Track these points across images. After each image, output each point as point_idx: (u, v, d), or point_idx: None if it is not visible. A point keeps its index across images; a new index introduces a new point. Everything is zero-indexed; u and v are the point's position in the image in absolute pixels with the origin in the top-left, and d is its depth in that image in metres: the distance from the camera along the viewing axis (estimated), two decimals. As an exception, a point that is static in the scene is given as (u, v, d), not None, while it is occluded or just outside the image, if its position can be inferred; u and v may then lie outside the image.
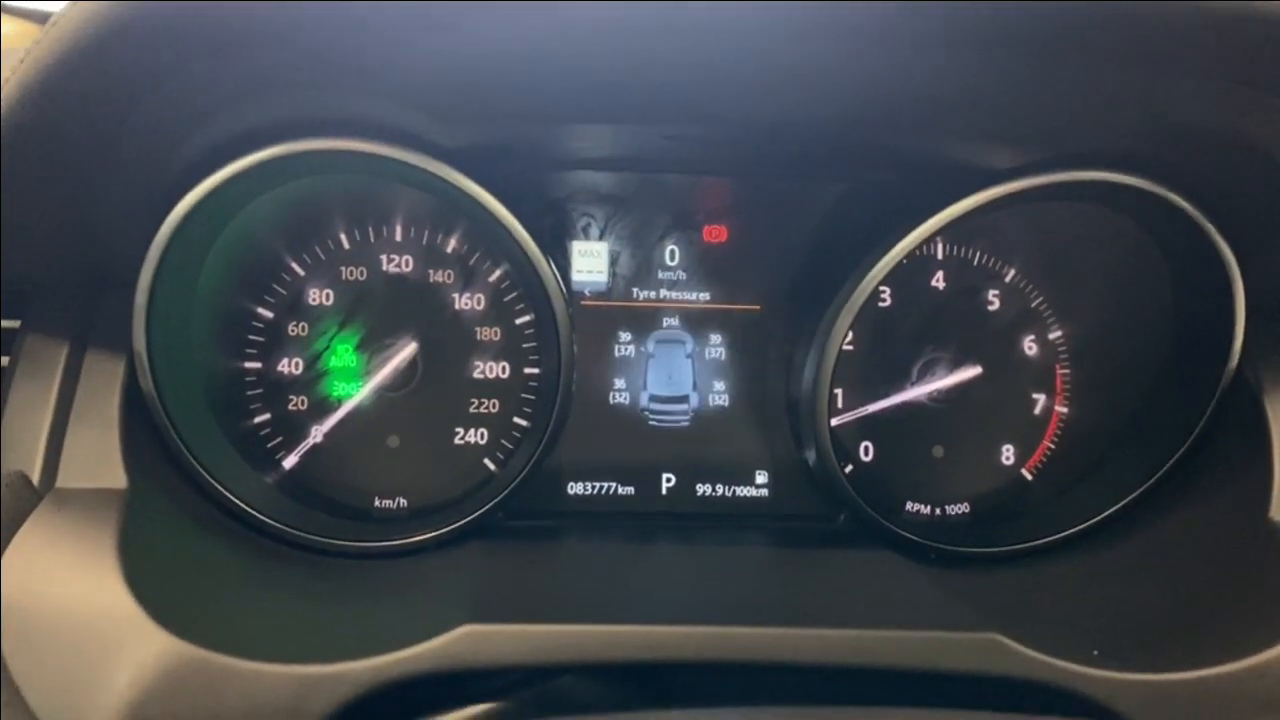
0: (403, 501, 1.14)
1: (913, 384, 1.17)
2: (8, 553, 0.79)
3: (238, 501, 1.00)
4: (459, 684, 0.81)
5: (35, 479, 0.87)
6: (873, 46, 0.79)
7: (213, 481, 0.99)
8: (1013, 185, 1.00)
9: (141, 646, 0.75)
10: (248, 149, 0.92)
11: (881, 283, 1.05)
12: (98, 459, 0.90)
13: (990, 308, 1.19)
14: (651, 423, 1.20)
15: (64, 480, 0.88)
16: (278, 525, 1.01)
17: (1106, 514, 1.11)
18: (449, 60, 0.81)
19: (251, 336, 1.10)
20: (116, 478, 0.90)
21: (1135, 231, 1.11)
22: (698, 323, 1.20)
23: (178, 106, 0.82)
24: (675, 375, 1.21)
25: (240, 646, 0.77)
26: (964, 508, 1.21)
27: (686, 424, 1.21)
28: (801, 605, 0.93)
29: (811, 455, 1.10)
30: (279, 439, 1.12)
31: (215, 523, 0.99)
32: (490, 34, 0.76)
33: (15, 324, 0.94)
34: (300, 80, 0.84)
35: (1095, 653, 0.85)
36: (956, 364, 1.17)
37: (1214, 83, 0.83)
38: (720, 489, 1.21)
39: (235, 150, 0.92)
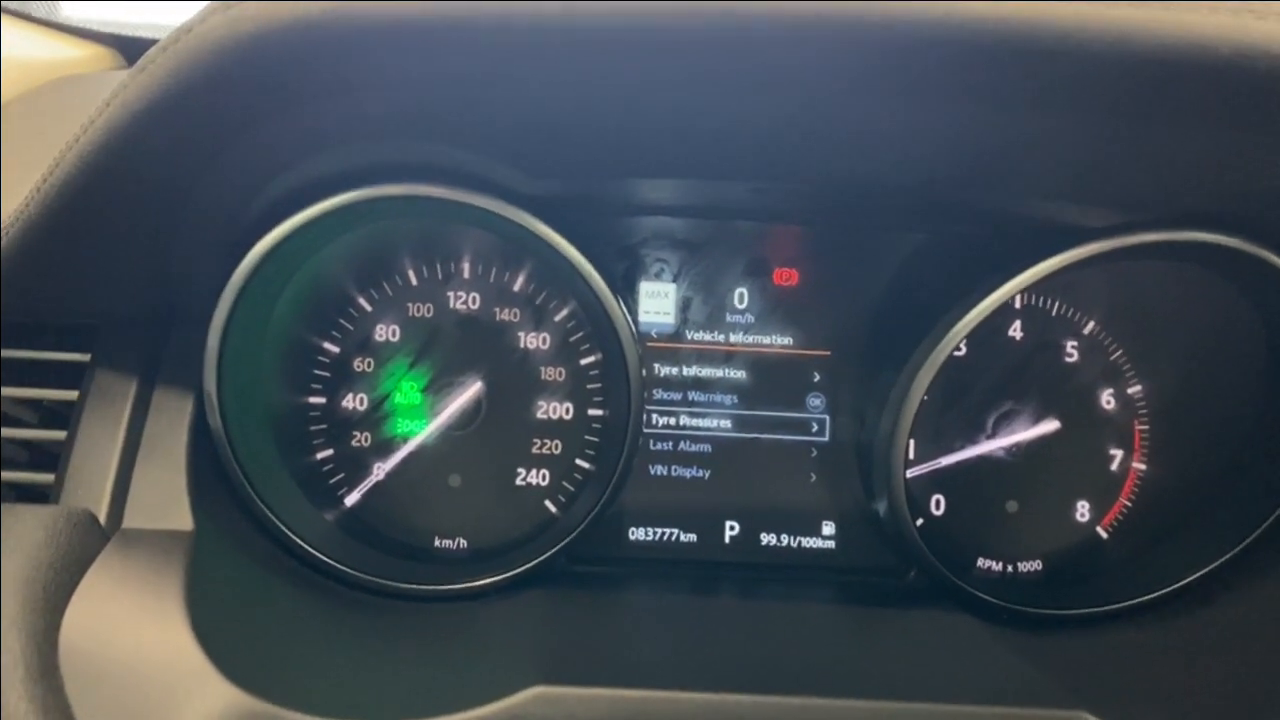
0: (463, 542, 1.12)
1: (988, 437, 1.14)
2: (75, 597, 0.78)
3: (299, 541, 0.99)
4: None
5: (102, 518, 0.86)
6: (964, 108, 0.77)
7: (275, 520, 0.98)
8: (1104, 244, 0.96)
9: (209, 699, 0.74)
10: (326, 193, 0.91)
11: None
12: (164, 499, 0.89)
13: (1068, 360, 1.15)
14: (716, 468, 1.18)
15: (130, 520, 0.87)
16: (338, 565, 1.00)
17: (1189, 579, 1.06)
18: (538, 115, 0.80)
19: (317, 372, 1.09)
20: (183, 519, 0.88)
21: (1226, 289, 1.07)
22: (766, 367, 1.18)
23: (262, 152, 0.81)
24: (741, 420, 1.18)
25: (307, 701, 0.76)
26: (1036, 565, 1.17)
27: (752, 470, 1.18)
28: (874, 672, 0.90)
29: (883, 507, 1.07)
30: (341, 475, 1.10)
31: (278, 565, 0.98)
32: (578, 90, 0.75)
33: (85, 357, 0.94)
34: (387, 128, 0.82)
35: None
36: (1034, 417, 1.13)
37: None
38: (785, 539, 1.17)
39: (314, 194, 0.91)
